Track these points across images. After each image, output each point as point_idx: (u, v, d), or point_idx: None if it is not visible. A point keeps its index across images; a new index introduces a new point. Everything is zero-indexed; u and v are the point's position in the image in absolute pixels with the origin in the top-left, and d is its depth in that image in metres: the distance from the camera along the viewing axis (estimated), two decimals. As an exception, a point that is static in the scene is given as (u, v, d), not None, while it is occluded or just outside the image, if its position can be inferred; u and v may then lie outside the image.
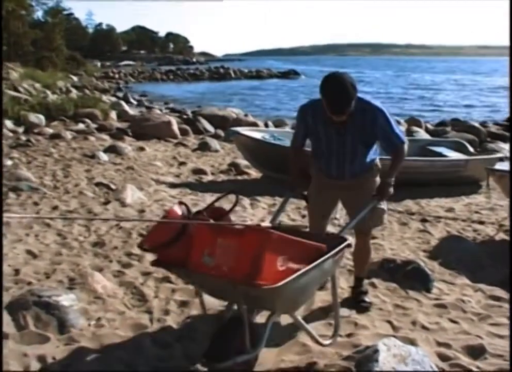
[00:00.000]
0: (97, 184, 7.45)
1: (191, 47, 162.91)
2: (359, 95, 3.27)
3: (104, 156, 9.77)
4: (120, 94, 30.76)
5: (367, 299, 3.85)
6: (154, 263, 2.91)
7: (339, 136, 3.43)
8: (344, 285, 4.18)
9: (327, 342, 3.08)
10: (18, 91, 20.64)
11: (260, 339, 2.66)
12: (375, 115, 3.34)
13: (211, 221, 2.80)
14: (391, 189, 3.46)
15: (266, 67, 75.19)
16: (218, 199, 3.17)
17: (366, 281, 4.07)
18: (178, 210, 2.84)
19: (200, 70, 69.71)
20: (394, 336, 3.15)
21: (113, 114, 16.74)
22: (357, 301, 3.82)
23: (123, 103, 21.52)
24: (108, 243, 5.00)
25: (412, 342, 3.18)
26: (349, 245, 2.95)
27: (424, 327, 3.50)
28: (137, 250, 4.67)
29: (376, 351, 2.77)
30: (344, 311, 3.70)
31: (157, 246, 2.77)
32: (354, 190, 3.61)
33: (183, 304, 3.75)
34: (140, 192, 6.93)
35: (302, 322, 2.93)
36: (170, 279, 4.14)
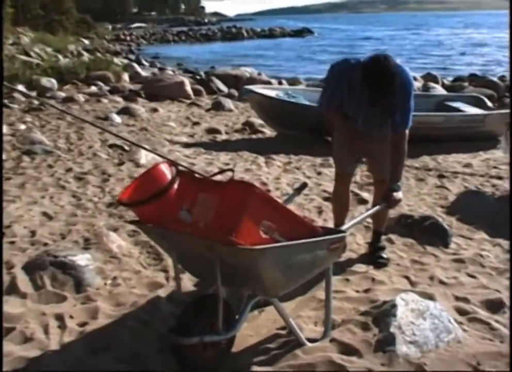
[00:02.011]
0: (111, 146, 7.43)
1: (203, 8, 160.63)
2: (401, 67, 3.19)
3: (117, 118, 9.72)
4: (132, 57, 30.50)
5: (384, 255, 3.80)
6: (131, 222, 2.73)
7: (373, 102, 3.30)
8: (361, 241, 4.14)
9: (311, 344, 2.67)
10: (30, 56, 20.51)
11: (236, 321, 2.44)
12: (408, 93, 3.27)
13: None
14: (399, 195, 3.29)
15: (279, 26, 73.99)
16: (214, 175, 2.78)
17: (383, 237, 4.03)
18: (166, 170, 2.50)
19: (212, 30, 68.78)
20: (412, 291, 3.12)
21: (125, 76, 16.62)
22: (375, 257, 3.78)
23: (135, 65, 21.32)
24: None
25: (430, 297, 3.14)
26: (344, 244, 2.89)
27: (441, 282, 3.46)
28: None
29: (394, 306, 2.75)
30: (360, 267, 3.68)
31: (135, 203, 2.47)
32: (375, 148, 3.62)
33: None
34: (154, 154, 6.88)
35: (285, 312, 2.65)
36: (185, 238, 4.13)
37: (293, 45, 46.30)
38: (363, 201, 5.04)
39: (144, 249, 3.95)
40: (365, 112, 3.43)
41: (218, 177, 2.60)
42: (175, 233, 2.39)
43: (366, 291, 3.34)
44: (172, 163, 2.61)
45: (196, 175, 2.71)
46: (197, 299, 2.59)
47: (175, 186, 2.41)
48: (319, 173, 6.28)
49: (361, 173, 5.90)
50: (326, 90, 3.53)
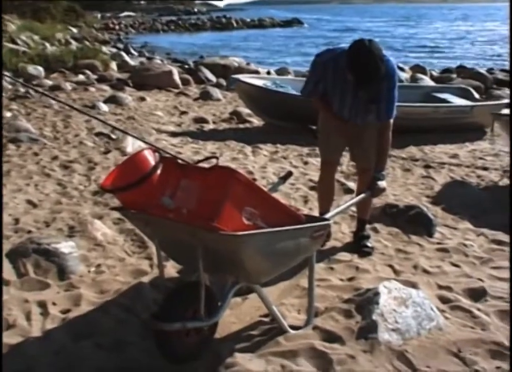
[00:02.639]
0: (97, 134, 7.37)
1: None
2: (385, 56, 3.18)
3: (104, 107, 9.65)
4: (120, 45, 30.25)
5: (369, 244, 3.82)
6: (114, 209, 2.71)
7: (355, 92, 3.33)
8: (346, 230, 4.15)
9: (294, 331, 2.67)
10: (16, 43, 20.27)
11: (219, 308, 2.41)
12: (391, 82, 3.27)
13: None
14: (383, 184, 3.29)
15: (269, 17, 73.71)
16: (199, 162, 2.77)
17: (368, 226, 4.05)
18: (149, 156, 2.47)
19: (201, 19, 68.42)
20: (396, 280, 3.13)
21: (113, 65, 16.50)
22: (359, 246, 3.79)
23: (123, 53, 21.16)
24: (108, 191, 4.95)
25: (413, 286, 3.16)
26: (329, 232, 2.88)
27: (425, 271, 3.49)
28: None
29: (377, 294, 2.76)
30: (345, 255, 3.70)
31: (117, 188, 2.42)
32: (361, 132, 3.62)
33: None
34: (140, 142, 6.85)
35: (268, 299, 2.64)
36: (171, 227, 4.12)
37: (282, 35, 46.17)
38: (349, 191, 5.05)
39: (129, 237, 3.94)
40: (350, 101, 3.45)
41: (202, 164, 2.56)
42: (157, 219, 2.36)
43: (350, 279, 3.36)
44: (156, 149, 2.57)
45: (180, 161, 2.68)
46: (179, 285, 2.59)
47: (158, 172, 2.38)
48: (305, 163, 6.28)
49: (347, 163, 5.91)
50: (310, 80, 3.53)
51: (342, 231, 4.14)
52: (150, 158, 2.44)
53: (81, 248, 3.70)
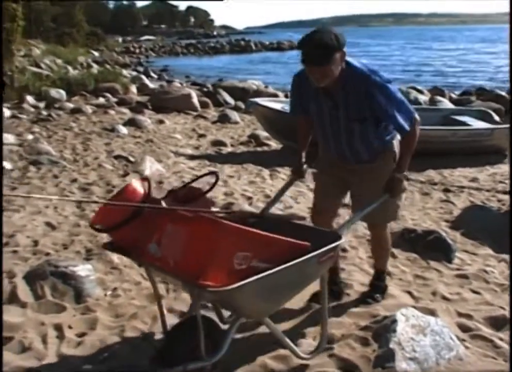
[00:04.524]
0: (116, 157, 7.45)
1: (212, 21, 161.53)
2: (350, 60, 2.79)
3: (123, 129, 9.76)
4: (141, 69, 30.70)
5: (377, 296, 3.38)
6: (104, 246, 2.59)
7: (331, 110, 2.90)
8: (363, 255, 4.11)
9: (307, 356, 2.62)
10: (40, 67, 20.71)
11: (220, 345, 2.25)
12: (369, 87, 2.74)
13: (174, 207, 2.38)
14: (403, 185, 2.93)
15: (287, 39, 74.35)
16: (195, 180, 2.73)
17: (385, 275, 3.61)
18: (139, 187, 2.42)
19: (220, 43, 69.11)
20: (414, 307, 3.09)
21: (133, 88, 16.71)
22: (365, 296, 3.40)
23: (143, 77, 21.49)
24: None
25: (432, 313, 3.10)
26: (339, 246, 2.48)
27: (444, 298, 3.43)
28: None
29: (394, 321, 2.71)
30: (362, 281, 3.65)
31: (107, 228, 2.37)
32: (360, 177, 3.12)
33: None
34: (158, 164, 6.91)
35: (277, 330, 2.54)
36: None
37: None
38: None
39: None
40: (329, 120, 2.97)
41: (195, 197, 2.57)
42: (148, 265, 2.37)
43: (368, 305, 3.31)
44: (149, 182, 2.53)
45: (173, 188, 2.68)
46: (178, 324, 2.49)
47: (145, 212, 2.31)
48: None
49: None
50: (291, 99, 3.23)
51: (360, 256, 4.10)
52: (140, 191, 2.41)
53: (98, 271, 3.71)
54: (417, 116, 2.91)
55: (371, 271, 3.81)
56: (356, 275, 3.76)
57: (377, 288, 3.44)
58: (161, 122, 11.03)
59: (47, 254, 4.02)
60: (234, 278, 2.03)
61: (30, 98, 13.41)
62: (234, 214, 2.55)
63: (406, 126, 2.83)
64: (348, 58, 2.77)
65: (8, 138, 8.62)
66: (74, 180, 6.23)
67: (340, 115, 2.89)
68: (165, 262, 2.19)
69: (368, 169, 3.07)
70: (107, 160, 7.31)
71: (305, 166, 3.18)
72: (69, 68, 22.99)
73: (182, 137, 9.56)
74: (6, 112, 11.42)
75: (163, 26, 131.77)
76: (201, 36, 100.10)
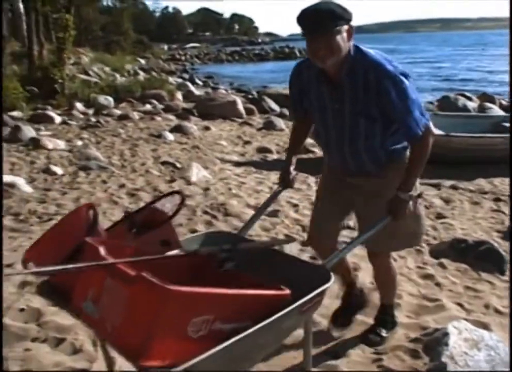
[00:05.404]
0: (163, 163, 7.56)
1: (256, 28, 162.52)
2: (362, 46, 2.37)
3: (170, 136, 9.88)
4: (186, 76, 31.06)
5: (383, 333, 2.95)
6: (38, 292, 2.16)
7: (334, 103, 2.43)
8: (412, 265, 4.04)
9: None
10: (89, 75, 21.21)
11: None
12: (381, 77, 2.28)
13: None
14: (408, 207, 2.45)
15: (332, 46, 73.96)
16: (156, 201, 2.31)
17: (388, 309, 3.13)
18: (83, 215, 2.04)
19: (264, 50, 69.38)
20: (465, 319, 3.01)
21: (179, 95, 16.93)
22: (367, 332, 2.99)
23: (188, 83, 21.76)
24: (173, 220, 5.03)
25: (485, 327, 3.02)
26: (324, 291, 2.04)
27: (497, 311, 3.33)
28: (201, 228, 4.69)
29: (446, 334, 2.65)
30: (411, 292, 3.58)
31: (31, 271, 1.98)
32: (365, 196, 2.66)
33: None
34: (205, 171, 6.97)
35: None
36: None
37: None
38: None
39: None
40: (332, 115, 2.49)
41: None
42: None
43: (417, 316, 3.25)
44: (95, 211, 2.10)
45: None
46: None
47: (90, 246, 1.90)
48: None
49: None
50: (290, 97, 2.75)
51: (408, 266, 4.03)
52: (82, 223, 2.01)
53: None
54: (431, 124, 2.43)
55: (421, 281, 3.75)
56: (405, 285, 3.68)
57: (382, 321, 3.01)
58: (207, 128, 11.12)
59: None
60: (192, 349, 1.64)
61: (79, 105, 13.77)
62: (198, 253, 2.09)
63: (417, 131, 2.35)
64: (360, 45, 2.38)
65: (59, 143, 8.87)
66: (122, 185, 6.34)
67: (345, 109, 2.41)
68: (102, 326, 1.72)
69: (374, 185, 2.61)
70: (154, 166, 7.42)
71: (293, 174, 2.78)
72: (117, 75, 23.44)
73: (228, 143, 9.62)
74: (57, 119, 11.74)
75: (208, 33, 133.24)
76: (245, 43, 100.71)
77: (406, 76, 2.31)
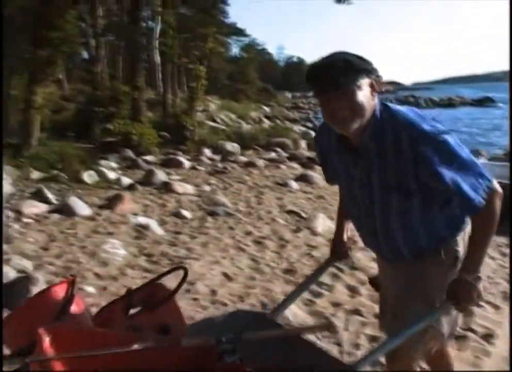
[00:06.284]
0: (289, 212, 7.65)
1: (379, 76, 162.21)
2: (390, 105, 1.98)
3: (295, 185, 10.02)
4: (309, 124, 31.50)
5: None
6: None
7: (361, 175, 2.00)
8: None
9: None
10: (215, 122, 22.20)
11: None
12: (415, 141, 1.83)
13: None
14: (476, 293, 1.93)
15: (458, 95, 72.07)
16: (160, 277, 2.04)
17: None
18: (61, 293, 1.84)
19: (388, 99, 68.82)
20: None
21: (303, 143, 17.19)
22: None
23: (312, 132, 22.02)
24: (299, 270, 5.06)
25: None
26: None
27: None
28: (327, 280, 4.66)
29: None
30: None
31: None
32: (396, 277, 2.17)
33: (373, 339, 3.63)
34: (330, 222, 6.94)
35: None
36: (361, 312, 4.06)
37: (474, 114, 44.65)
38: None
39: (320, 318, 3.94)
40: (359, 189, 2.06)
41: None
42: None
43: None
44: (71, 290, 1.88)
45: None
46: None
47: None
48: (503, 254, 5.84)
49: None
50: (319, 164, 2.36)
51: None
52: (56, 303, 1.81)
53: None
54: (496, 185, 1.91)
55: None
56: None
57: None
58: (330, 178, 11.14)
59: (225, 305, 4.19)
60: None
61: (207, 151, 14.42)
62: (181, 344, 1.64)
63: (477, 201, 1.86)
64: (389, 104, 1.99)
65: (188, 188, 9.30)
66: (249, 233, 6.49)
67: (373, 182, 1.97)
68: None
69: (410, 271, 2.10)
70: (279, 215, 7.54)
71: (347, 245, 2.42)
72: (242, 123, 24.34)
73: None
74: (187, 164, 12.34)
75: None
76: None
77: (448, 133, 1.87)
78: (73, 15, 11.64)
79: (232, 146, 15.09)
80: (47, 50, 10.58)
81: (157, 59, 22.69)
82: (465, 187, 1.84)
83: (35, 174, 9.42)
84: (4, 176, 8.48)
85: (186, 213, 7.41)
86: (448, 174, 1.81)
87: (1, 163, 6.00)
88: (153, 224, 6.69)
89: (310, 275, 2.47)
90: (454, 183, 1.83)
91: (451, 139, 1.84)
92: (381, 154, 1.90)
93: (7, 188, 8.09)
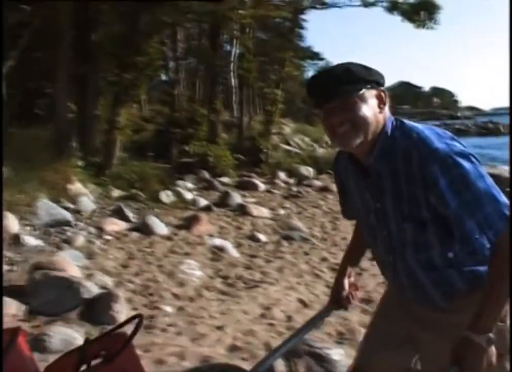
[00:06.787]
0: (364, 239, 7.54)
1: (456, 101, 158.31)
2: (405, 121, 1.70)
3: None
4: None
5: None
6: None
7: (375, 199, 1.74)
8: None
9: None
10: (290, 145, 22.31)
11: None
12: (427, 160, 1.57)
13: None
14: (483, 357, 1.51)
15: (542, 122, 69.12)
16: (117, 327, 1.85)
17: None
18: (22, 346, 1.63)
19: (465, 124, 67.08)
20: None
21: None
22: None
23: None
24: (376, 300, 4.96)
25: None
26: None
27: None
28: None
29: None
30: None
31: None
32: (434, 333, 1.78)
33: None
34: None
35: None
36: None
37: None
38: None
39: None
40: (375, 217, 1.77)
41: None
42: None
43: None
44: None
45: None
46: None
47: None
48: None
49: None
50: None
51: None
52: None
53: (349, 356, 3.70)
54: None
55: None
56: None
57: None
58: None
59: (301, 331, 4.16)
60: None
61: (282, 174, 14.49)
62: None
63: (496, 221, 1.55)
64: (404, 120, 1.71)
65: (263, 211, 9.36)
66: (324, 259, 6.44)
67: (388, 209, 1.70)
68: None
69: (446, 320, 1.74)
70: (354, 241, 7.44)
71: (346, 291, 2.08)
72: (316, 146, 24.33)
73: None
74: (261, 187, 12.44)
75: (405, 106, 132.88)
76: (445, 117, 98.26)
77: (468, 157, 1.57)
78: (156, 40, 12.09)
79: (306, 170, 15.11)
80: (132, 74, 11.02)
81: (234, 82, 23.15)
82: (469, 224, 1.56)
83: (116, 193, 9.76)
84: (87, 193, 8.87)
85: (261, 236, 7.45)
86: (454, 202, 1.54)
87: (1, 165, 6.10)
88: (229, 246, 6.77)
89: (302, 326, 2.11)
90: (456, 216, 1.56)
91: (467, 163, 1.55)
92: (393, 177, 1.65)
93: (90, 205, 8.44)
